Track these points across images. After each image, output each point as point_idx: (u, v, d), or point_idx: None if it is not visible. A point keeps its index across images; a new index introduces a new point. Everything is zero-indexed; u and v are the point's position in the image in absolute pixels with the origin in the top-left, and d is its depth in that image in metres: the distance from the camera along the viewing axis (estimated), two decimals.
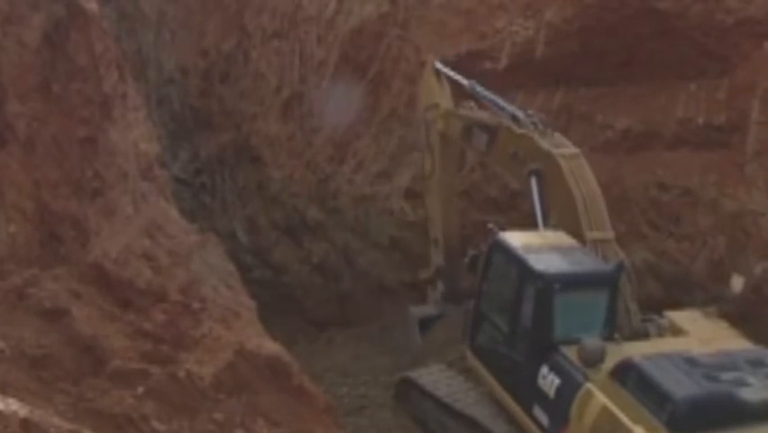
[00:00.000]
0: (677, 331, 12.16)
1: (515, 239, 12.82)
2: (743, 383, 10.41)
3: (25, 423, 6.26)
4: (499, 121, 14.48)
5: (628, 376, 10.77)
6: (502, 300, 12.68)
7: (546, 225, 13.43)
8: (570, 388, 11.23)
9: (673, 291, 15.19)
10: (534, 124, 13.96)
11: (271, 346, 9.79)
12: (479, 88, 15.14)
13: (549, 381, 11.55)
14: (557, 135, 14.00)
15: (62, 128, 10.53)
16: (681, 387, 10.30)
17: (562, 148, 13.67)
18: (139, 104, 13.16)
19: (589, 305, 11.90)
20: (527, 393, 12.00)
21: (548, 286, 11.69)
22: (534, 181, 13.62)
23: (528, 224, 13.73)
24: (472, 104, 15.45)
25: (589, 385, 11.00)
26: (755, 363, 10.78)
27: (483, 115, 15.04)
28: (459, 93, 15.76)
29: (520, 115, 14.19)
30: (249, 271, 18.65)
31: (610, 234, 12.89)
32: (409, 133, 18.07)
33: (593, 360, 11.09)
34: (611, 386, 10.85)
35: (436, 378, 14.32)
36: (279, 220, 20.61)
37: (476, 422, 13.06)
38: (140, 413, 7.68)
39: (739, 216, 14.90)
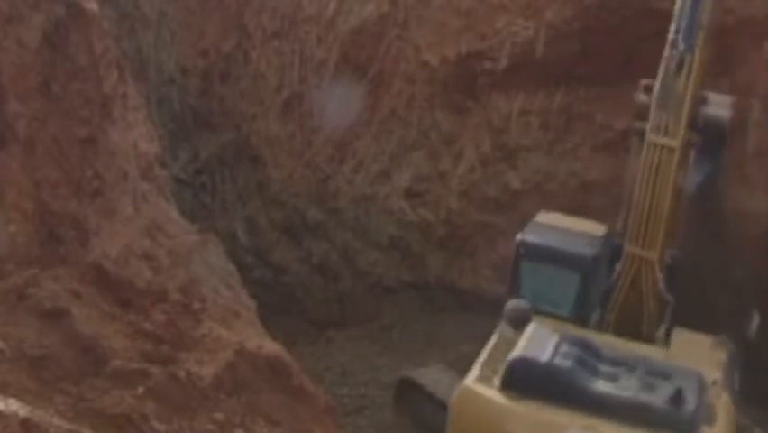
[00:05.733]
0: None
1: (554, 219, 13.33)
2: (606, 377, 10.46)
3: (25, 423, 6.24)
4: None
5: None
6: None
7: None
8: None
9: None
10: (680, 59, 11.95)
11: (271, 346, 9.77)
12: None
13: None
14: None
15: (62, 128, 10.52)
16: (527, 354, 10.70)
17: (665, 135, 12.01)
18: (139, 104, 13.16)
19: (558, 282, 12.24)
20: None
21: (517, 250, 12.50)
22: None
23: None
24: None
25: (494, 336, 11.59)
26: (656, 373, 10.59)
27: None
28: None
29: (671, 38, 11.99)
30: (249, 271, 18.65)
31: (653, 255, 12.12)
32: (409, 132, 18.07)
33: (516, 321, 11.57)
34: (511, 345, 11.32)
35: (436, 378, 14.32)
36: (279, 220, 20.61)
37: None
38: (140, 413, 7.65)
39: (739, 216, 14.89)
